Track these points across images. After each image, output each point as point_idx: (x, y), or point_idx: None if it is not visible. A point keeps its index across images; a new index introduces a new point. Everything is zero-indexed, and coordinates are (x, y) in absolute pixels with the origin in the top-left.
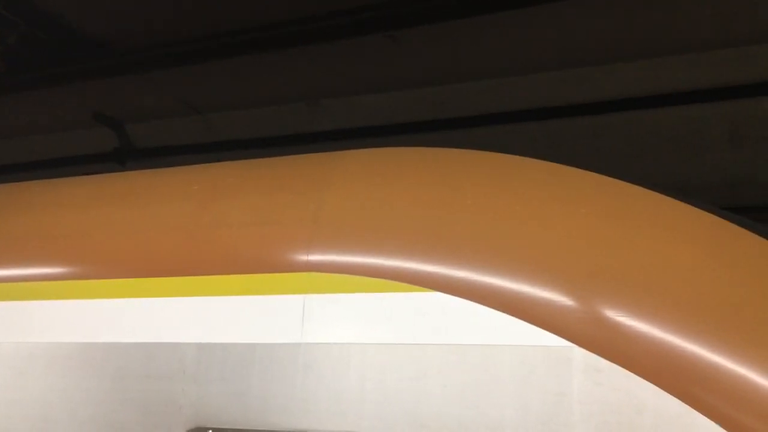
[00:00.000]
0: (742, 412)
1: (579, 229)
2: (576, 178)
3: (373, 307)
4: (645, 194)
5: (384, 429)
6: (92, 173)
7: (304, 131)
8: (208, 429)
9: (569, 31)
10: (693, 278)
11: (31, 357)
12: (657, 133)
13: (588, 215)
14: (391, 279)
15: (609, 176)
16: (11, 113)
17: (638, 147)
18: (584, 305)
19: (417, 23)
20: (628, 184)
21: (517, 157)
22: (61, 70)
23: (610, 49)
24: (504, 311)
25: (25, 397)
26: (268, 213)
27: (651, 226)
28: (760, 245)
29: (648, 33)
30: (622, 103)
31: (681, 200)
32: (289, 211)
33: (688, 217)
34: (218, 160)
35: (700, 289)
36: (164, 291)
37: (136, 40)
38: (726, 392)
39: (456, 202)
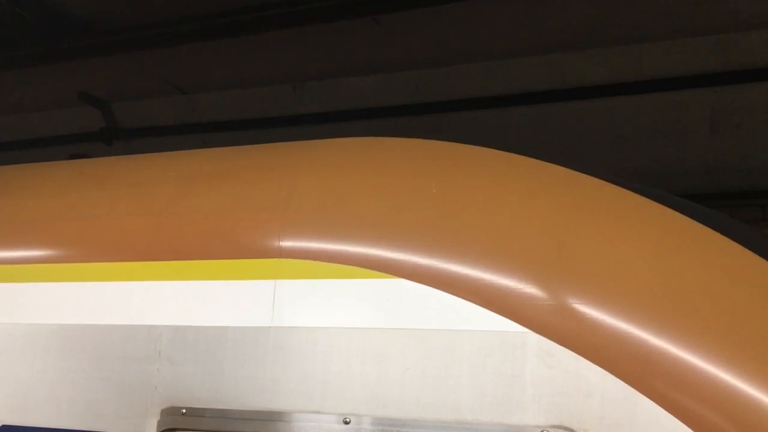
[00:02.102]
0: (686, 396)
1: (539, 219)
2: (536, 170)
3: (340, 293)
4: (602, 186)
5: (348, 409)
6: (79, 152)
7: (289, 113)
8: (182, 408)
9: (552, 16)
10: (646, 267)
11: (11, 337)
12: (638, 119)
13: (547, 206)
14: (358, 265)
15: (582, 165)
16: None
17: (619, 132)
18: (542, 293)
19: (402, 7)
20: (586, 176)
21: (482, 148)
22: (46, 49)
23: (593, 35)
24: (465, 298)
25: (5, 375)
26: (241, 200)
27: (607, 217)
28: (711, 237)
29: (629, 19)
30: (604, 88)
31: (637, 191)
32: (262, 199)
33: (642, 210)
34: (203, 141)
35: (653, 278)
36: (141, 275)
37: (122, 20)
38: (672, 376)
39: (421, 192)
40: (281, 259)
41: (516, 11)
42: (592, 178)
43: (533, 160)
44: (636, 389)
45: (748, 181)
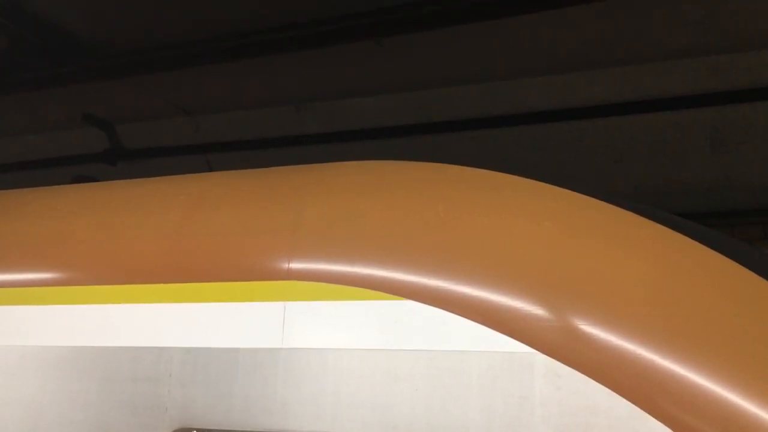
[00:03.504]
0: (692, 416)
1: (544, 241)
2: (542, 192)
3: (349, 314)
4: (606, 208)
5: (358, 430)
6: (84, 173)
7: (292, 134)
8: (193, 430)
9: (552, 38)
10: (650, 289)
11: (23, 359)
12: (640, 138)
13: (553, 228)
14: (366, 287)
15: (585, 187)
16: (3, 114)
17: (621, 151)
18: (549, 314)
19: (404, 30)
20: (591, 198)
21: (487, 171)
22: (52, 72)
23: (594, 56)
24: (472, 319)
25: (17, 397)
26: (251, 223)
27: (611, 239)
28: (711, 257)
29: (631, 41)
30: (606, 108)
31: (640, 212)
32: (271, 222)
33: (645, 232)
34: (207, 162)
35: (657, 299)
36: (152, 297)
37: (127, 43)
38: (677, 396)
39: (428, 215)
40: (290, 281)
41: (516, 33)
42: (596, 200)
43: (538, 182)
44: (641, 409)
45: (749, 200)
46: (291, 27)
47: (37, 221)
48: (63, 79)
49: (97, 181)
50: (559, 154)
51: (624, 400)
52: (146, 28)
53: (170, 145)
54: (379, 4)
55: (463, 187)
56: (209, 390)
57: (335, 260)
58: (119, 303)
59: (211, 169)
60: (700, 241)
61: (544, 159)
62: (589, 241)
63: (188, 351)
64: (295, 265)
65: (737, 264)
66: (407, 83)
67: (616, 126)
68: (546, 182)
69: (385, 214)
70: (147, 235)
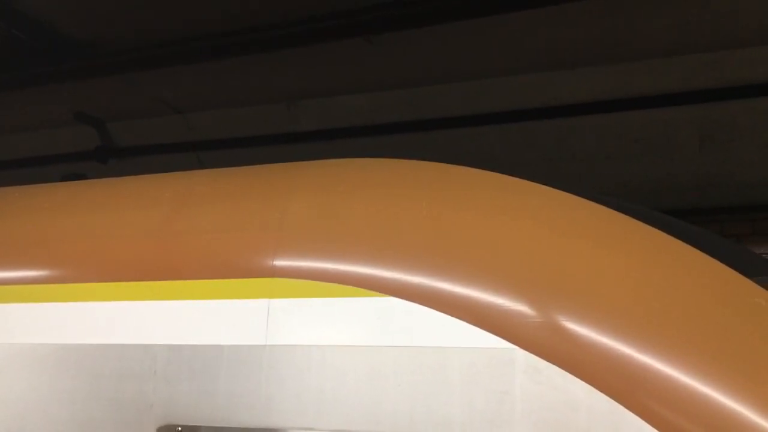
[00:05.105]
0: (671, 411)
1: (527, 239)
2: (524, 191)
3: (333, 311)
4: (587, 206)
5: (341, 426)
6: (74, 171)
7: (283, 131)
8: (178, 426)
9: (543, 36)
10: (630, 285)
11: (9, 357)
12: (629, 135)
13: (534, 225)
14: (350, 284)
15: (569, 185)
16: None
17: (610, 148)
18: (531, 311)
19: (394, 28)
20: (572, 196)
21: (470, 169)
22: (43, 70)
23: (583, 54)
24: (454, 315)
25: (3, 395)
26: (235, 220)
27: (593, 236)
28: (693, 255)
29: (620, 39)
30: (595, 105)
31: (622, 210)
32: (256, 219)
33: (626, 229)
34: (198, 160)
35: (637, 295)
36: (137, 295)
37: (117, 40)
38: (658, 392)
39: (411, 212)
40: (275, 279)
41: (507, 31)
42: (578, 198)
43: (522, 180)
44: (622, 404)
45: (737, 196)
46: (282, 24)
47: (22, 219)
48: (54, 78)
49: (88, 178)
50: (548, 152)
51: (604, 396)
52: (137, 26)
53: (161, 142)
54: (370, 1)
55: (447, 185)
56: (193, 387)
57: (319, 257)
58: (104, 301)
59: (201, 167)
60: (683, 239)
61: (534, 156)
62: (572, 238)
63: (173, 348)
64: (280, 263)
65: (717, 261)
66: (397, 81)
67: (605, 123)
68: (535, 179)
69: (369, 211)
70: (132, 232)
